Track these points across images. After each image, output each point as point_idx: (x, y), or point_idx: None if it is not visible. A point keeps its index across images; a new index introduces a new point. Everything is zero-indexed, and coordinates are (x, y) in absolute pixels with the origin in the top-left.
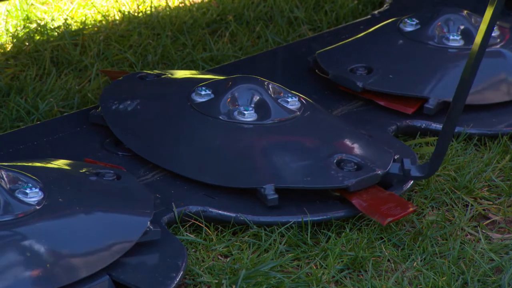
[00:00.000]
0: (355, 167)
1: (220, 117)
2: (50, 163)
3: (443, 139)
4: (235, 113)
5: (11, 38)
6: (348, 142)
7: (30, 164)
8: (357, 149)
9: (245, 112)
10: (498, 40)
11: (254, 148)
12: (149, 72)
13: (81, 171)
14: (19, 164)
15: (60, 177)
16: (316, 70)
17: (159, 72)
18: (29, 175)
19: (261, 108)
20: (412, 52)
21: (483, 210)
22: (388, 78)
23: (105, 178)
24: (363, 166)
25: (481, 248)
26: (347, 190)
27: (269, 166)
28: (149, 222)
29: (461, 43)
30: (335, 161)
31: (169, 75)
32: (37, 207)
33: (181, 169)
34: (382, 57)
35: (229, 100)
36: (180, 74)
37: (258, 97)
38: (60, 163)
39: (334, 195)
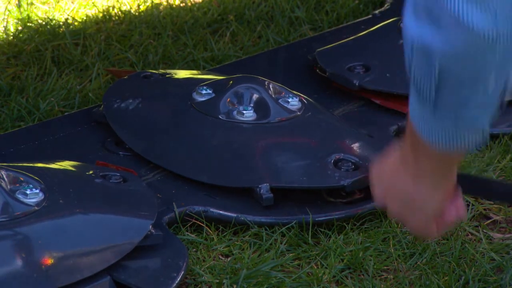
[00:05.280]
0: (353, 167)
1: (219, 116)
2: (55, 164)
3: None
4: (234, 112)
5: (12, 37)
6: (347, 142)
7: (34, 165)
8: (355, 149)
9: (244, 111)
10: None
11: (251, 148)
12: (154, 71)
13: (87, 173)
14: (23, 164)
15: (63, 179)
16: (317, 70)
17: (164, 71)
18: (31, 175)
19: (261, 108)
20: None
21: (484, 210)
22: (385, 76)
23: (111, 181)
24: (361, 166)
25: (482, 248)
26: (343, 189)
27: (265, 166)
28: (151, 226)
29: None
30: (332, 161)
31: (173, 75)
32: (36, 208)
33: (179, 169)
34: (380, 56)
35: (229, 99)
36: (183, 74)
37: (258, 97)
38: (67, 165)
39: (339, 195)
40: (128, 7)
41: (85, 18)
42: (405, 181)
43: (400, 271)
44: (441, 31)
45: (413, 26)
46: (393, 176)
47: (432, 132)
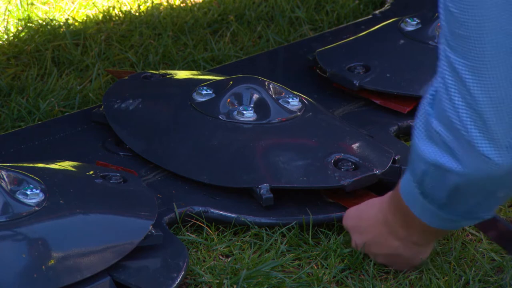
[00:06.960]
0: (353, 166)
1: (219, 116)
2: (56, 164)
3: None
4: (235, 113)
5: (12, 38)
6: (347, 142)
7: (34, 165)
8: (355, 149)
9: (244, 112)
10: None
11: (251, 148)
12: (154, 72)
13: (87, 173)
14: (23, 165)
15: (64, 179)
16: (318, 70)
17: (164, 72)
18: (31, 176)
19: (261, 108)
20: (411, 51)
21: None
22: (385, 77)
23: (111, 181)
24: (361, 166)
25: (483, 248)
26: (343, 189)
27: (265, 166)
28: (151, 226)
29: None
30: (332, 161)
31: (173, 75)
32: (37, 208)
33: (179, 169)
34: (380, 56)
35: (229, 100)
36: (183, 74)
37: (258, 97)
38: (67, 165)
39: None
40: (129, 8)
41: (85, 18)
42: (392, 242)
43: (400, 271)
44: (459, 159)
45: (427, 149)
46: (378, 236)
47: (433, 221)
